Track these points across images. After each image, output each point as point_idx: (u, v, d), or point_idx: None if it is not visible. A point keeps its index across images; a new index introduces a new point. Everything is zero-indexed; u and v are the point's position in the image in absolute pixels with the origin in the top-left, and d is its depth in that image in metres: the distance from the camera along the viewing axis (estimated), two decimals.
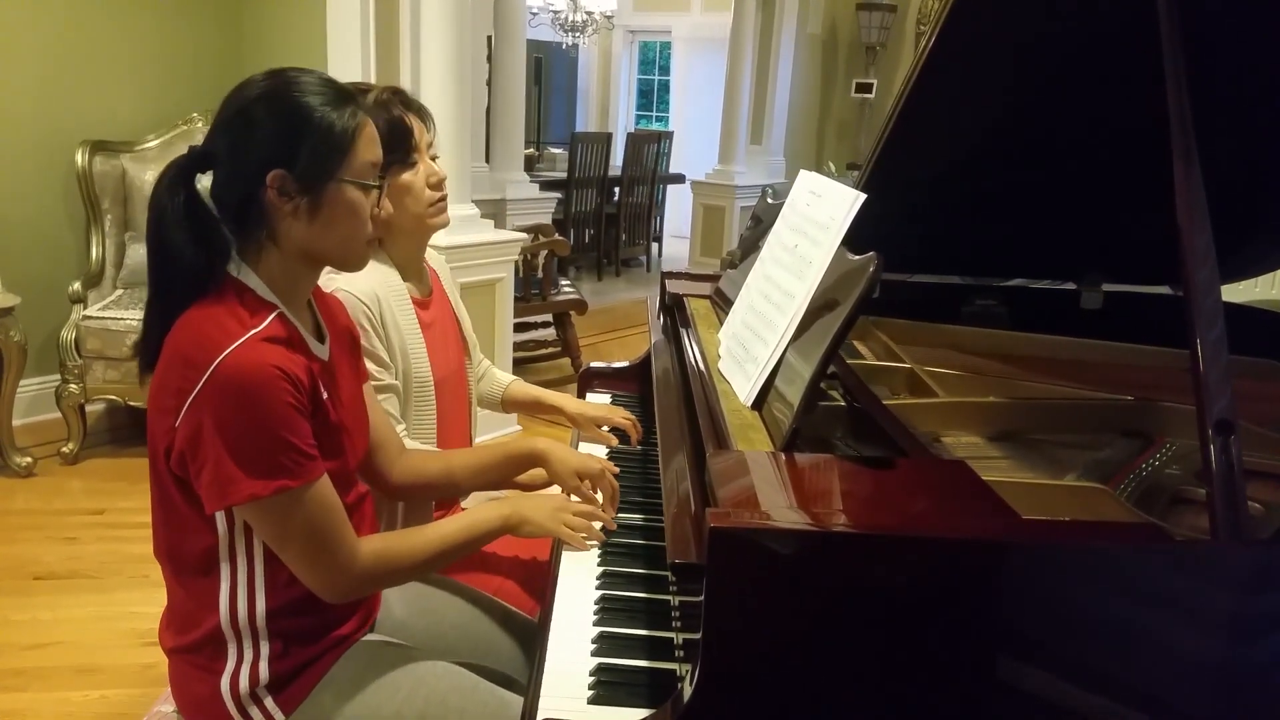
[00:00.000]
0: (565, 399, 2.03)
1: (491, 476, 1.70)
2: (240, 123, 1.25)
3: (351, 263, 1.37)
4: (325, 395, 1.30)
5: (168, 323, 1.24)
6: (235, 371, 1.17)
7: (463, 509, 1.91)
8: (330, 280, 1.63)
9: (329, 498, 1.26)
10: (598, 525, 1.49)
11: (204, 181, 1.27)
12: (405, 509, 1.76)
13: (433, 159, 1.76)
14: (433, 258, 1.93)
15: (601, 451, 1.89)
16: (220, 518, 1.26)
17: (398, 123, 1.67)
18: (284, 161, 1.24)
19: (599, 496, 1.59)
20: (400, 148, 1.67)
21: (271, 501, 1.20)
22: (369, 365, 1.64)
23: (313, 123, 1.24)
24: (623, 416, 1.94)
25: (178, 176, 1.26)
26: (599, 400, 2.21)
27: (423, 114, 1.75)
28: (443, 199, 1.78)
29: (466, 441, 1.96)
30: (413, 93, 1.77)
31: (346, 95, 1.29)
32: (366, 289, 1.66)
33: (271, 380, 1.18)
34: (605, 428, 1.94)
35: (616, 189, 8.00)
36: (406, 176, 1.71)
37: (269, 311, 1.26)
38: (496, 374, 2.12)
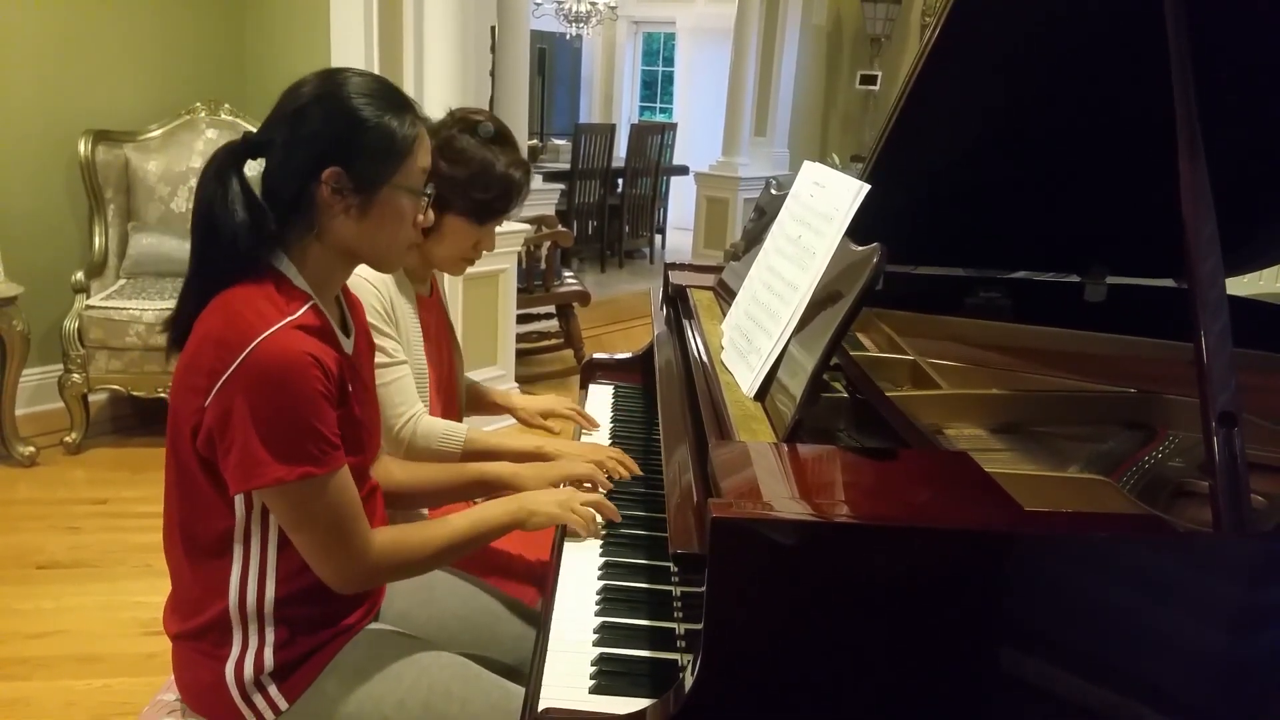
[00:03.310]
0: (511, 396, 2.11)
1: (458, 498, 1.72)
2: (300, 118, 1.27)
3: (389, 264, 1.41)
4: (350, 388, 1.31)
5: (203, 303, 1.25)
6: (271, 356, 1.18)
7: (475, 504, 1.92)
8: None
9: (348, 488, 1.27)
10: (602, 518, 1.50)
11: (252, 168, 1.29)
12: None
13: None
14: None
15: (604, 439, 1.90)
16: (240, 501, 1.26)
17: (509, 192, 1.74)
18: (342, 160, 1.25)
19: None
20: (494, 210, 1.74)
21: (294, 487, 1.20)
22: (383, 343, 1.66)
23: (375, 126, 1.27)
24: (566, 407, 2.00)
25: (228, 161, 1.27)
26: (602, 391, 2.22)
27: (525, 198, 1.80)
28: (474, 261, 1.83)
29: None
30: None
31: (405, 102, 1.32)
32: (376, 276, 1.69)
33: (306, 367, 1.19)
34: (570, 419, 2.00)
35: (620, 180, 7.98)
36: (470, 229, 1.75)
37: (304, 301, 1.27)
38: None
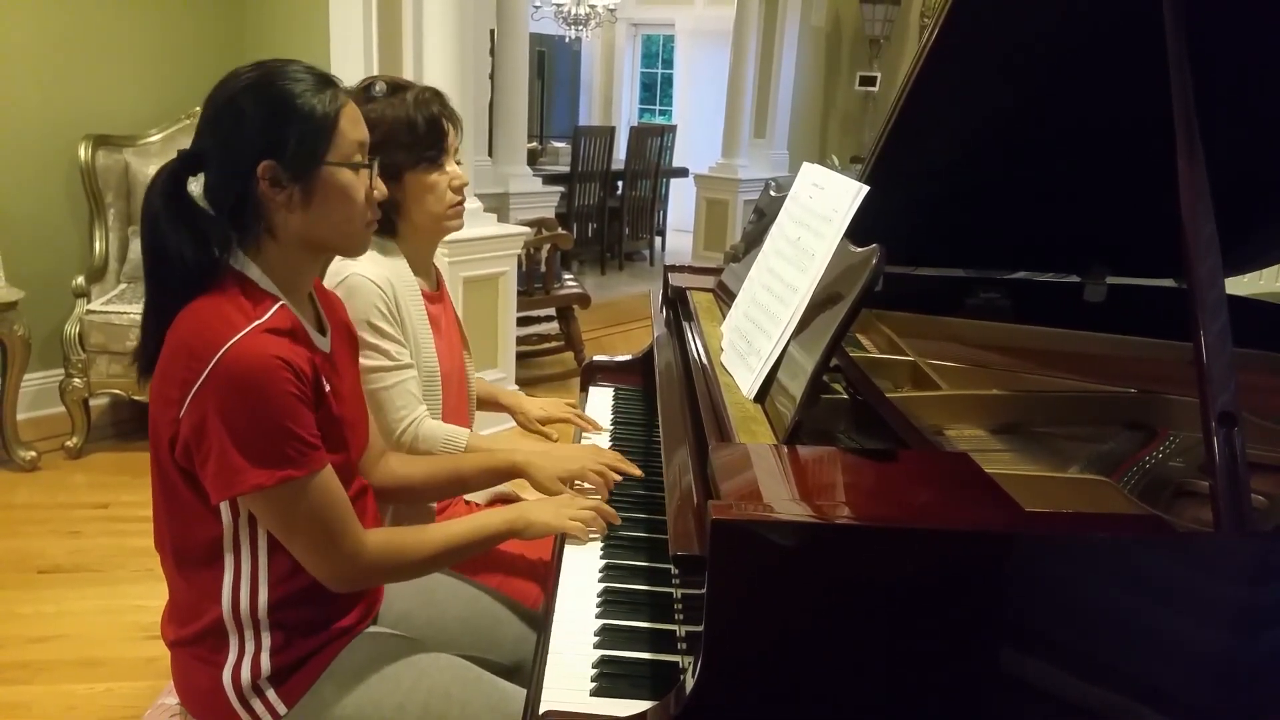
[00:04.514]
0: (516, 398, 2.10)
1: (470, 487, 1.73)
2: (224, 120, 1.26)
3: (352, 247, 1.38)
4: (328, 388, 1.30)
5: (165, 325, 1.25)
6: (239, 362, 1.17)
7: (465, 502, 1.92)
8: (345, 267, 1.64)
9: (333, 488, 1.26)
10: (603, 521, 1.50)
11: (195, 185, 1.28)
12: (398, 508, 1.76)
13: (457, 163, 1.78)
14: (437, 255, 1.95)
15: (605, 441, 1.91)
16: (225, 508, 1.26)
17: (435, 121, 1.72)
18: (272, 152, 1.24)
19: (601, 491, 1.60)
20: (433, 146, 1.72)
21: (276, 491, 1.20)
22: (387, 346, 1.66)
23: (295, 110, 1.25)
24: (564, 411, 2.00)
25: (169, 182, 1.26)
26: (603, 393, 2.22)
27: (455, 120, 1.78)
28: (461, 203, 1.81)
29: None
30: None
31: (326, 80, 1.30)
32: (380, 275, 1.69)
33: (274, 370, 1.19)
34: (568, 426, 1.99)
35: (620, 183, 7.98)
36: (433, 176, 1.74)
37: (272, 303, 1.27)
38: None
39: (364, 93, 1.71)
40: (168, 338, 1.24)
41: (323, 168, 1.27)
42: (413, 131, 1.69)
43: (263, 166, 1.24)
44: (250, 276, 1.28)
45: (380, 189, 1.36)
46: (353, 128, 1.30)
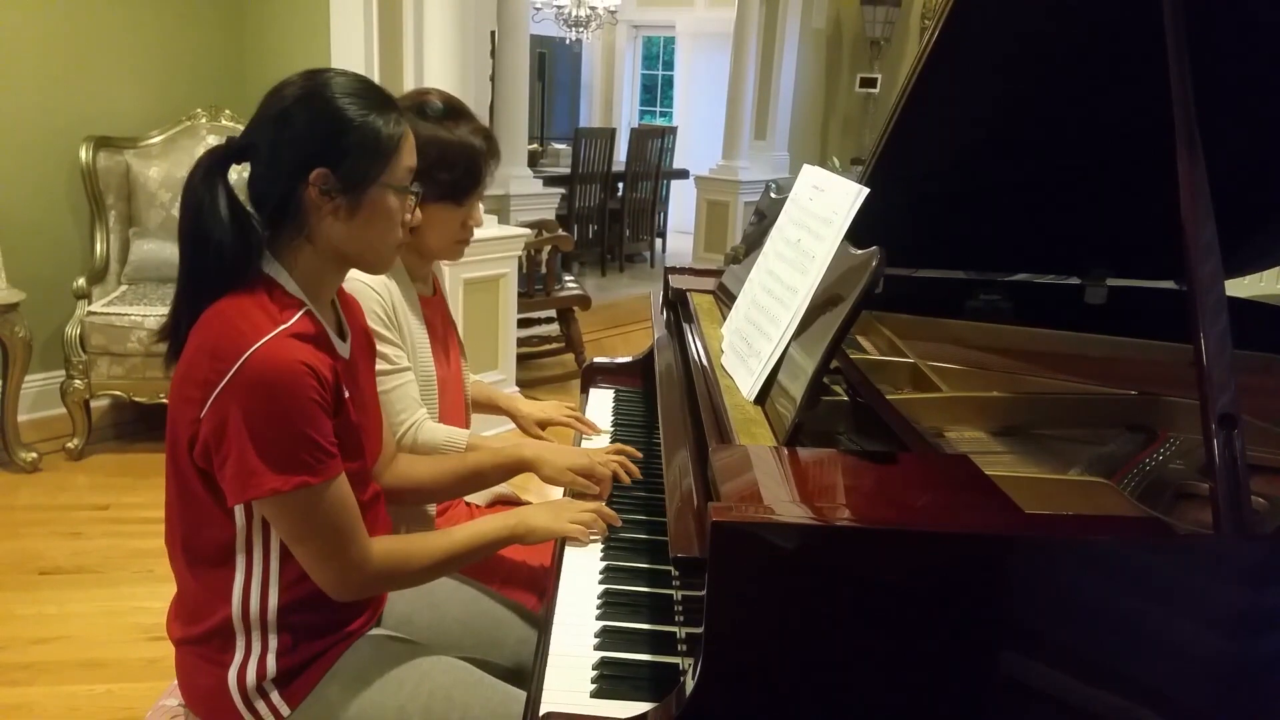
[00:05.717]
0: (514, 400, 2.10)
1: (480, 484, 1.73)
2: (284, 120, 1.27)
3: (380, 265, 1.40)
4: (347, 394, 1.30)
5: (197, 312, 1.25)
6: (264, 366, 1.17)
7: (466, 504, 1.92)
8: None
9: (346, 496, 1.27)
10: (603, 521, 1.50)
11: (233, 175, 1.28)
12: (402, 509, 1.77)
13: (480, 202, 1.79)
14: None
15: (604, 444, 1.91)
16: (240, 511, 1.26)
17: (476, 167, 1.72)
18: (328, 161, 1.25)
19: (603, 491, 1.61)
20: (464, 190, 1.72)
21: (292, 497, 1.20)
22: (385, 350, 1.66)
23: (360, 125, 1.26)
24: (563, 414, 1.99)
25: (214, 167, 1.27)
26: (603, 395, 2.22)
27: (495, 167, 1.78)
28: (468, 241, 1.82)
29: None
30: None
31: (389, 101, 1.32)
32: (378, 280, 1.69)
33: (299, 376, 1.19)
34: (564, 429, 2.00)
35: (620, 184, 7.99)
36: (452, 212, 1.74)
37: (298, 308, 1.27)
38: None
39: (417, 109, 1.69)
40: (191, 336, 1.24)
41: (375, 186, 1.29)
42: (451, 169, 1.69)
43: (316, 173, 1.25)
44: (279, 280, 1.28)
45: (417, 216, 1.38)
46: (409, 154, 1.33)
